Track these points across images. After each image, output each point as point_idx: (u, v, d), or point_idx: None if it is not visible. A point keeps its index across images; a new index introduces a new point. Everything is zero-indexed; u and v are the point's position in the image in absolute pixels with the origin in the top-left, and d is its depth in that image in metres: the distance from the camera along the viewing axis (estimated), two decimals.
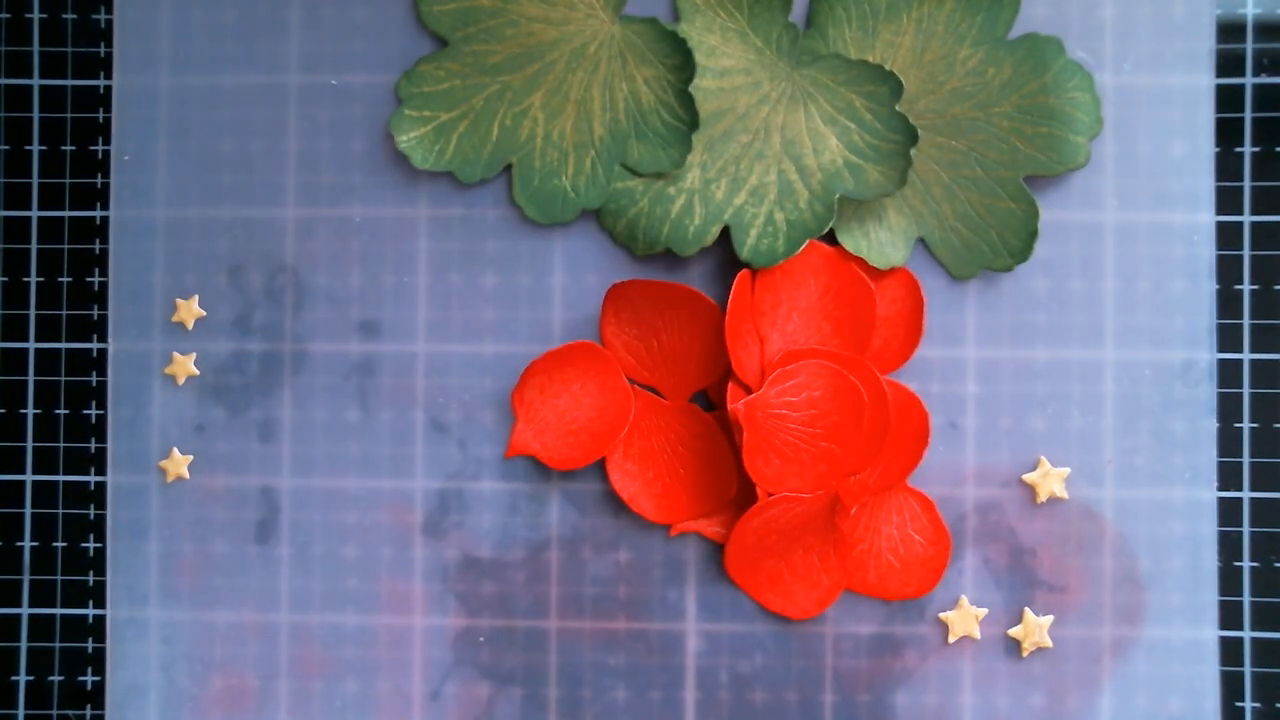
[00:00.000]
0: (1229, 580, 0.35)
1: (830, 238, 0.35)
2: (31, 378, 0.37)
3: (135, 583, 0.36)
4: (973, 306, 0.36)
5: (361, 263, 0.36)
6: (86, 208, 0.37)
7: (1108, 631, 0.35)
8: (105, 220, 0.37)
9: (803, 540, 0.35)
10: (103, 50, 0.37)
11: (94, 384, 0.37)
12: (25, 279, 0.37)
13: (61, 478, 0.37)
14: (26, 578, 0.37)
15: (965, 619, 0.35)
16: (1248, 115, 0.35)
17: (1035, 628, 0.35)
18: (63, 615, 0.37)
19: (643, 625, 0.36)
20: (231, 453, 0.36)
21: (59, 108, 0.37)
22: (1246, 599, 0.35)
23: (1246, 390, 0.35)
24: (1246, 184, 0.35)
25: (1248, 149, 0.35)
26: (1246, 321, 0.35)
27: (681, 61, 0.34)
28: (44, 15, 0.37)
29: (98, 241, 0.37)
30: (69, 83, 0.37)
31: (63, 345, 0.37)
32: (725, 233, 0.35)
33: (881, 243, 0.35)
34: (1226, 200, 0.35)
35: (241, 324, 0.36)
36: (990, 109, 0.35)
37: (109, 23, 0.37)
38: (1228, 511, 0.35)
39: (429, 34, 0.36)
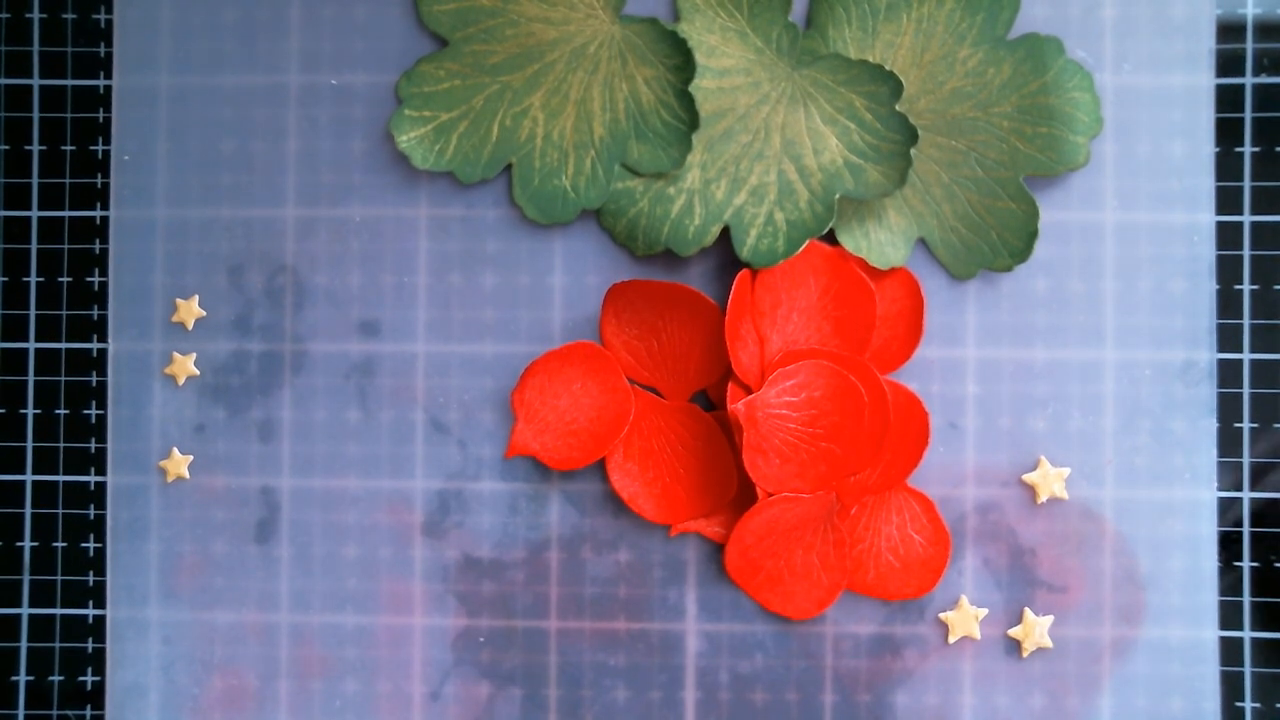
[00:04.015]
0: (1229, 580, 0.35)
1: (830, 238, 0.35)
2: (31, 378, 0.37)
3: (135, 583, 0.36)
4: (973, 306, 0.36)
5: (361, 263, 0.36)
6: (86, 208, 0.37)
7: (1108, 631, 0.35)
8: (105, 220, 0.37)
9: (803, 540, 0.35)
10: (103, 50, 0.37)
11: (94, 384, 0.37)
12: (25, 279, 0.37)
13: (61, 478, 0.37)
14: (26, 578, 0.37)
15: (965, 619, 0.35)
16: (1248, 115, 0.35)
17: (1035, 628, 0.35)
18: (63, 615, 0.37)
19: (643, 625, 0.36)
20: (231, 453, 0.36)
21: (59, 108, 0.37)
22: (1246, 599, 0.35)
23: (1246, 390, 0.35)
24: (1246, 184, 0.35)
25: (1248, 149, 0.35)
26: (1246, 321, 0.35)
27: (681, 61, 0.34)
28: (44, 15, 0.37)
29: (98, 241, 0.37)
30: (69, 83, 0.37)
31: (63, 345, 0.37)
32: (725, 233, 0.35)
33: (881, 243, 0.35)
34: (1226, 200, 0.35)
35: (241, 324, 0.36)
36: (990, 109, 0.35)
37: (109, 23, 0.37)
38: (1228, 511, 0.35)
39: (429, 34, 0.36)
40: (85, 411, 0.37)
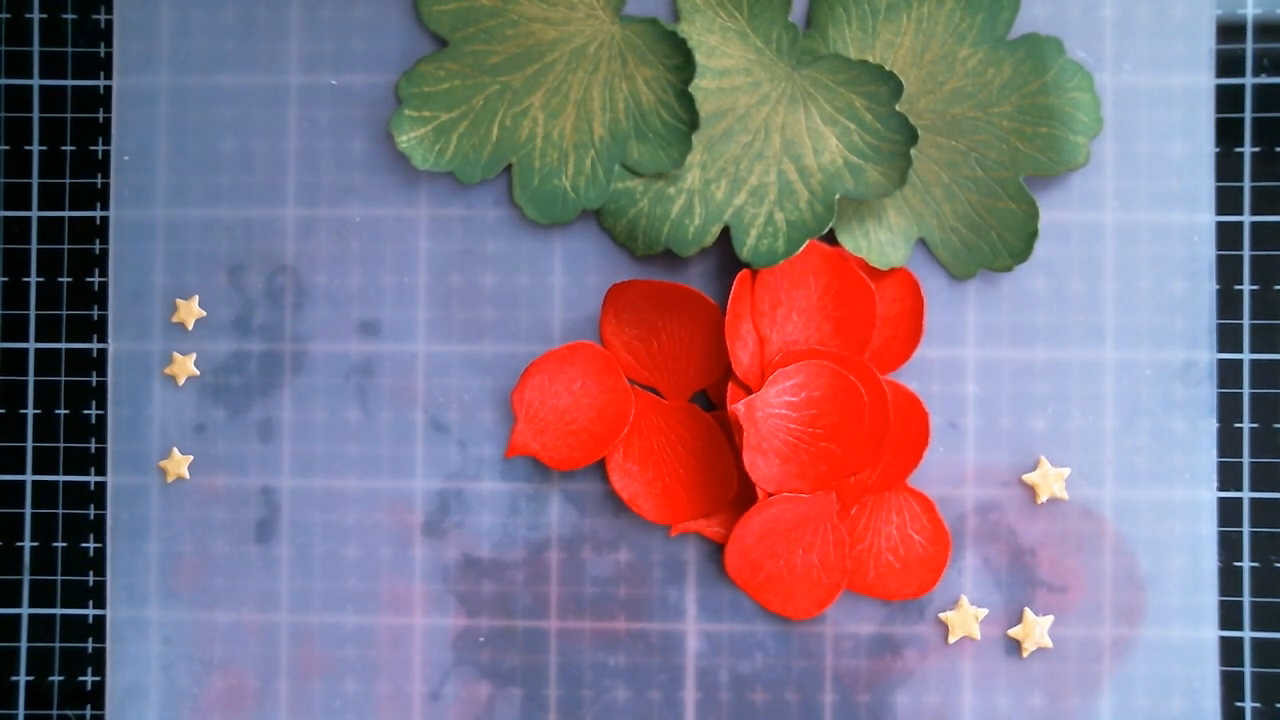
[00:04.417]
0: (1229, 580, 0.35)
1: (830, 238, 0.35)
2: (31, 378, 0.37)
3: (135, 583, 0.36)
4: (973, 306, 0.36)
5: (361, 263, 0.36)
6: (86, 208, 0.37)
7: (1108, 631, 0.35)
8: (105, 220, 0.37)
9: (803, 540, 0.35)
10: (103, 50, 0.37)
11: (94, 384, 0.37)
12: (25, 279, 0.37)
13: (61, 478, 0.37)
14: (26, 578, 0.37)
15: (965, 619, 0.35)
16: (1248, 115, 0.35)
17: (1035, 628, 0.35)
18: (63, 615, 0.37)
19: (643, 625, 0.36)
20: (231, 453, 0.36)
21: (59, 108, 0.37)
22: (1246, 599, 0.35)
23: (1246, 390, 0.35)
24: (1246, 184, 0.35)
25: (1248, 149, 0.35)
26: (1246, 321, 0.35)
27: (681, 61, 0.34)
28: (44, 15, 0.37)
29: (98, 241, 0.37)
30: (69, 83, 0.37)
31: (63, 345, 0.37)
32: (725, 233, 0.35)
33: (881, 243, 0.35)
34: (1226, 200, 0.35)
35: (241, 324, 0.36)
36: (990, 109, 0.35)
37: (109, 23, 0.37)
38: (1228, 511, 0.35)
39: (429, 34, 0.36)
40: (85, 411, 0.37)
